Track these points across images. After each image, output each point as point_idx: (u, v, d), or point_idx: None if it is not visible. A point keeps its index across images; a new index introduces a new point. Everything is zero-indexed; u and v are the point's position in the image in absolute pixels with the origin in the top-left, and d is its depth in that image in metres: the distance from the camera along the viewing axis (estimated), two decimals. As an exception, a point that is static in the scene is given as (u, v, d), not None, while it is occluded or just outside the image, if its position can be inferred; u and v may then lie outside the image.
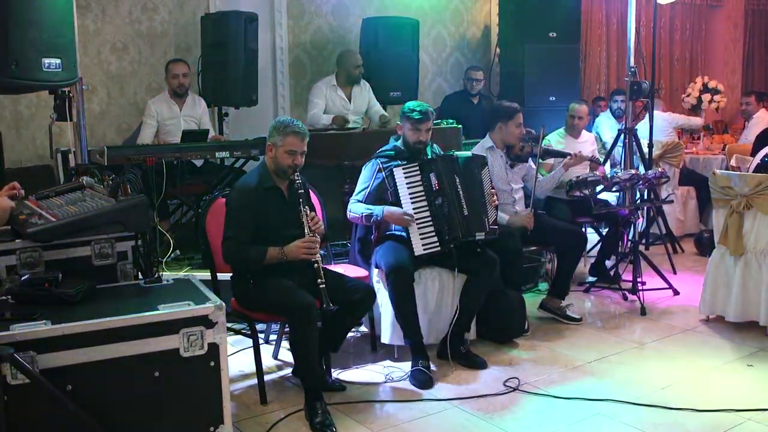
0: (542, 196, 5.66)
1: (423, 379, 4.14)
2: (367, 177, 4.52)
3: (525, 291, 5.56)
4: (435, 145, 4.75)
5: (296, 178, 3.90)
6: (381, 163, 4.49)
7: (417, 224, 4.34)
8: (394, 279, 4.24)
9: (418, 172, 4.39)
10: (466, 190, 4.43)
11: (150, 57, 6.50)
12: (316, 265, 3.79)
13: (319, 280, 3.75)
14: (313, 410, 3.65)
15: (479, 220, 4.44)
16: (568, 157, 5.47)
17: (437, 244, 4.36)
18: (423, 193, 4.39)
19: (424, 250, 4.33)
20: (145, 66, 6.49)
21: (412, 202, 4.36)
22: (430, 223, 4.37)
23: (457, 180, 4.42)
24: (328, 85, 6.60)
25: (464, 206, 4.39)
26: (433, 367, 4.27)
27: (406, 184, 4.37)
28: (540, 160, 5.38)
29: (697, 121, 8.63)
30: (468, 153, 4.72)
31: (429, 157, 4.54)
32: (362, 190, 4.52)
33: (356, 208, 4.48)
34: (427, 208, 4.38)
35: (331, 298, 3.74)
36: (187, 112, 6.08)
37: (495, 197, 4.62)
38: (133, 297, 3.22)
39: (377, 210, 4.38)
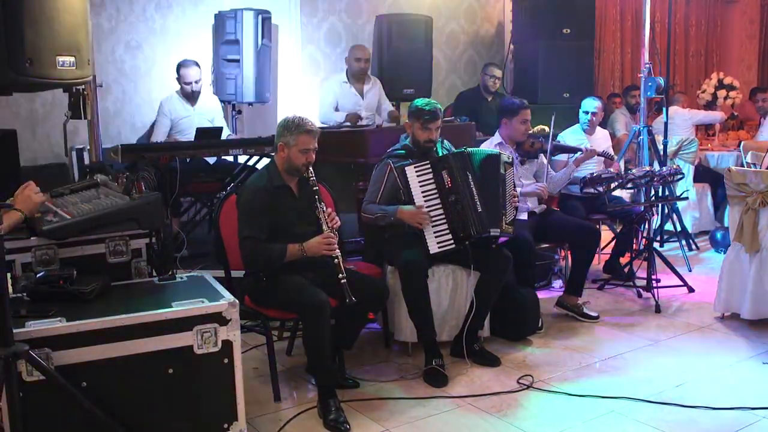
0: (554, 192, 5.63)
1: (437, 378, 4.14)
2: (378, 178, 4.51)
3: (538, 288, 5.54)
4: (446, 141, 4.74)
5: (310, 174, 3.90)
6: (392, 163, 4.48)
7: (431, 222, 4.33)
8: (407, 275, 4.24)
9: (430, 170, 4.37)
10: (480, 187, 4.39)
11: (164, 55, 6.52)
12: (336, 260, 3.78)
13: (341, 276, 3.74)
14: (327, 407, 3.66)
15: (495, 217, 4.39)
16: (579, 152, 5.44)
17: (452, 241, 4.34)
18: (436, 191, 4.37)
19: (439, 248, 4.32)
20: (159, 64, 6.51)
21: (425, 201, 4.34)
22: (444, 221, 4.35)
23: (470, 176, 4.38)
24: (339, 82, 6.61)
25: (478, 203, 4.36)
26: (446, 365, 4.26)
27: (419, 182, 4.35)
28: (552, 157, 5.35)
29: (716, 116, 8.56)
30: (490, 150, 4.67)
31: (440, 154, 4.53)
32: (375, 191, 4.51)
33: (369, 208, 4.47)
34: (440, 206, 4.36)
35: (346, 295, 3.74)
36: (201, 110, 6.10)
37: (516, 198, 4.58)
38: (147, 294, 3.24)
39: (390, 210, 4.37)
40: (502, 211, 4.43)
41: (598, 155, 5.54)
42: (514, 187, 4.60)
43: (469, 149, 4.54)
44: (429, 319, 4.28)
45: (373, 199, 4.48)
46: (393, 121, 6.47)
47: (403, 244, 4.35)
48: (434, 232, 4.33)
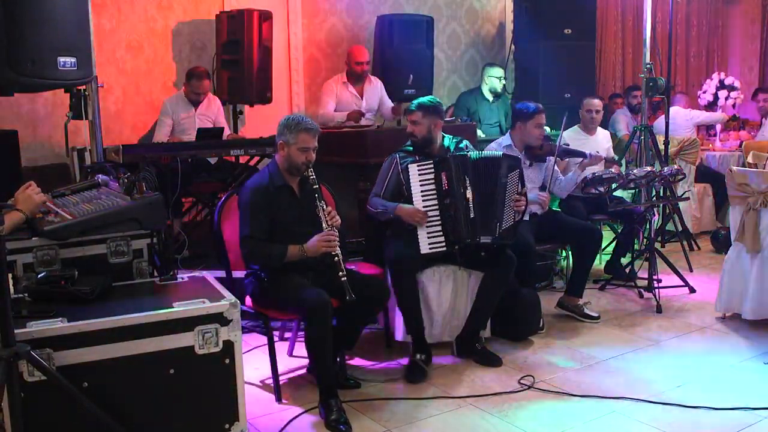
0: (562, 196, 5.62)
1: (414, 372, 4.16)
2: (385, 171, 4.54)
3: (539, 288, 5.54)
4: (465, 140, 4.71)
5: (310, 173, 3.91)
6: (399, 158, 4.50)
7: (426, 222, 4.33)
8: (396, 271, 4.26)
9: (432, 170, 4.37)
10: (476, 192, 4.36)
11: (165, 55, 6.53)
12: (336, 258, 3.79)
13: (341, 273, 3.75)
14: (328, 408, 3.66)
15: (488, 224, 4.37)
16: (584, 159, 5.42)
17: (443, 244, 4.34)
18: (434, 192, 4.36)
19: (430, 249, 4.32)
20: (160, 64, 6.51)
21: (423, 200, 4.35)
22: (439, 222, 4.35)
23: (468, 180, 4.36)
24: (339, 83, 6.62)
25: (471, 208, 4.33)
26: (434, 360, 4.29)
27: (420, 181, 4.36)
28: (558, 159, 5.34)
29: (717, 117, 8.56)
30: (493, 153, 4.59)
31: (452, 152, 4.52)
32: (380, 184, 4.54)
33: (374, 202, 4.51)
34: (437, 207, 4.35)
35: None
36: (203, 110, 6.11)
37: (521, 202, 4.54)
38: (149, 295, 3.24)
39: (390, 206, 4.38)
40: (498, 218, 4.39)
41: (603, 160, 5.54)
42: (521, 189, 4.54)
43: (472, 152, 4.52)
44: (417, 314, 4.30)
45: (379, 192, 4.53)
46: (396, 117, 6.49)
47: (396, 241, 4.38)
48: (427, 233, 4.33)
